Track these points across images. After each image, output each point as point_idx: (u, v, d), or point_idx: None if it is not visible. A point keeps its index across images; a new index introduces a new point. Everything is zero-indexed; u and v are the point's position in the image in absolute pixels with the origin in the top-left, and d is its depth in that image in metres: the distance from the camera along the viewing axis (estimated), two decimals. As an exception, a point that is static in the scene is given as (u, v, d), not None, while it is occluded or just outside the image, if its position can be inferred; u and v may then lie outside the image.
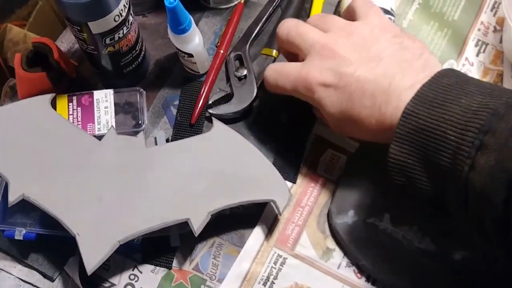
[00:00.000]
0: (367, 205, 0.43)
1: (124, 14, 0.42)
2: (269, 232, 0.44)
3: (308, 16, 0.52)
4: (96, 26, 0.41)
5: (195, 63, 0.48)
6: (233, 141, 0.44)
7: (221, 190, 0.41)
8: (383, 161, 0.44)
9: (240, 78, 0.49)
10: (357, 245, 0.42)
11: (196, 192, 0.41)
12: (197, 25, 0.49)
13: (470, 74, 0.50)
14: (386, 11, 0.48)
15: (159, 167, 0.42)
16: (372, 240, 0.42)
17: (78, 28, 0.42)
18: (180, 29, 0.44)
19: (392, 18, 0.49)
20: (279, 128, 0.48)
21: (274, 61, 0.50)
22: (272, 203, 0.42)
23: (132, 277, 0.43)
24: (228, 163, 0.43)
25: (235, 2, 0.53)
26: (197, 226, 0.40)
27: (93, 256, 0.39)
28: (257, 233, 0.44)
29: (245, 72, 0.48)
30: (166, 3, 0.41)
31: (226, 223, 0.44)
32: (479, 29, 0.52)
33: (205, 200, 0.41)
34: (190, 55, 0.46)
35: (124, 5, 0.42)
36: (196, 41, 0.46)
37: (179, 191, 0.41)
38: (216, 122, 0.45)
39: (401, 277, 0.41)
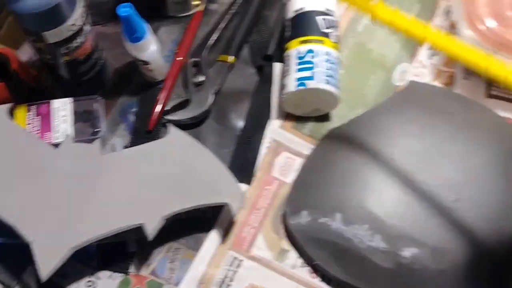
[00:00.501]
0: (320, 205, 0.44)
1: (79, 23, 0.43)
2: (225, 235, 0.45)
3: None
4: (52, 36, 0.42)
5: (152, 70, 0.48)
6: (188, 146, 0.44)
7: (175, 195, 0.42)
8: (337, 163, 0.45)
9: (197, 84, 0.49)
10: (310, 245, 0.43)
11: (151, 197, 0.42)
12: (156, 33, 0.49)
13: (423, 76, 0.52)
14: (321, 13, 0.48)
15: (114, 173, 0.43)
16: (325, 240, 0.42)
17: (35, 38, 0.43)
18: (134, 37, 0.45)
19: (330, 17, 0.48)
20: (235, 132, 0.49)
21: (230, 67, 0.51)
22: (226, 206, 0.43)
23: (89, 283, 0.43)
24: (182, 167, 0.43)
25: (194, 11, 0.54)
26: (150, 230, 0.40)
27: (47, 262, 0.39)
28: (213, 236, 0.44)
29: (202, 78, 0.49)
30: (119, 12, 0.42)
31: (182, 228, 0.44)
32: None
33: (159, 205, 0.41)
34: (146, 63, 0.47)
35: (79, 15, 0.43)
36: (151, 48, 0.47)
37: (134, 196, 0.42)
38: (171, 127, 0.45)
39: (354, 275, 0.42)
